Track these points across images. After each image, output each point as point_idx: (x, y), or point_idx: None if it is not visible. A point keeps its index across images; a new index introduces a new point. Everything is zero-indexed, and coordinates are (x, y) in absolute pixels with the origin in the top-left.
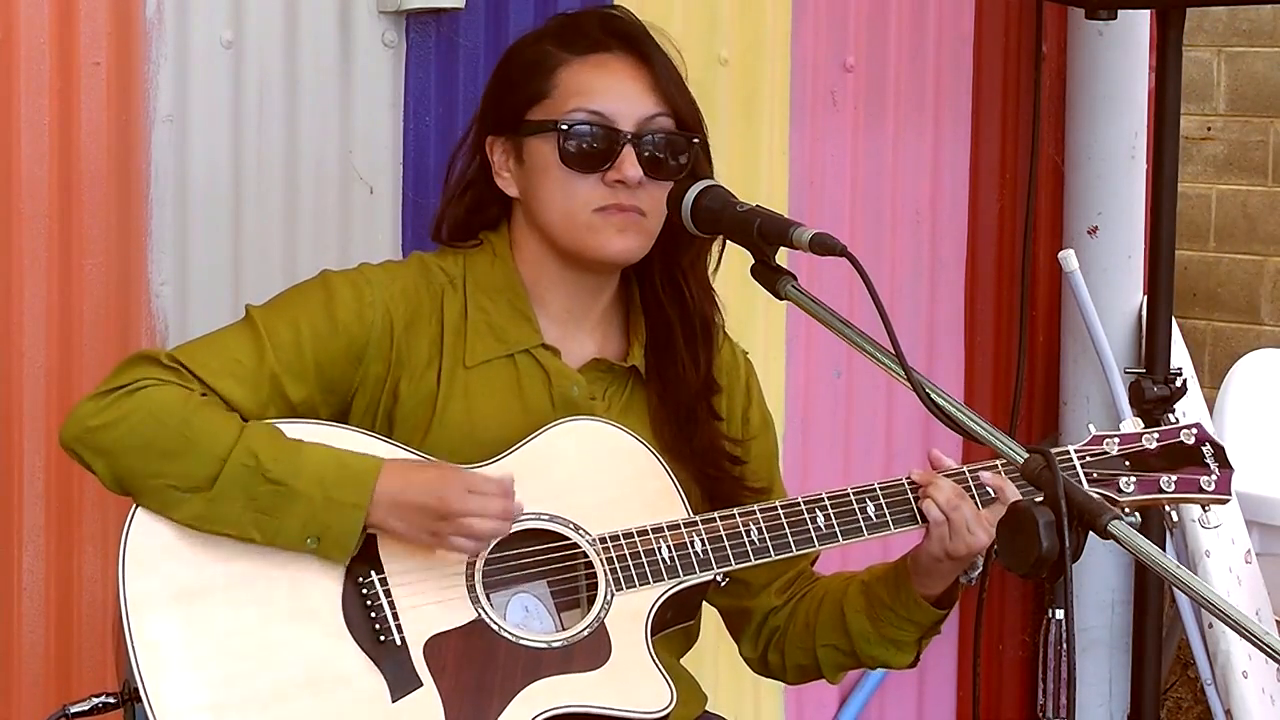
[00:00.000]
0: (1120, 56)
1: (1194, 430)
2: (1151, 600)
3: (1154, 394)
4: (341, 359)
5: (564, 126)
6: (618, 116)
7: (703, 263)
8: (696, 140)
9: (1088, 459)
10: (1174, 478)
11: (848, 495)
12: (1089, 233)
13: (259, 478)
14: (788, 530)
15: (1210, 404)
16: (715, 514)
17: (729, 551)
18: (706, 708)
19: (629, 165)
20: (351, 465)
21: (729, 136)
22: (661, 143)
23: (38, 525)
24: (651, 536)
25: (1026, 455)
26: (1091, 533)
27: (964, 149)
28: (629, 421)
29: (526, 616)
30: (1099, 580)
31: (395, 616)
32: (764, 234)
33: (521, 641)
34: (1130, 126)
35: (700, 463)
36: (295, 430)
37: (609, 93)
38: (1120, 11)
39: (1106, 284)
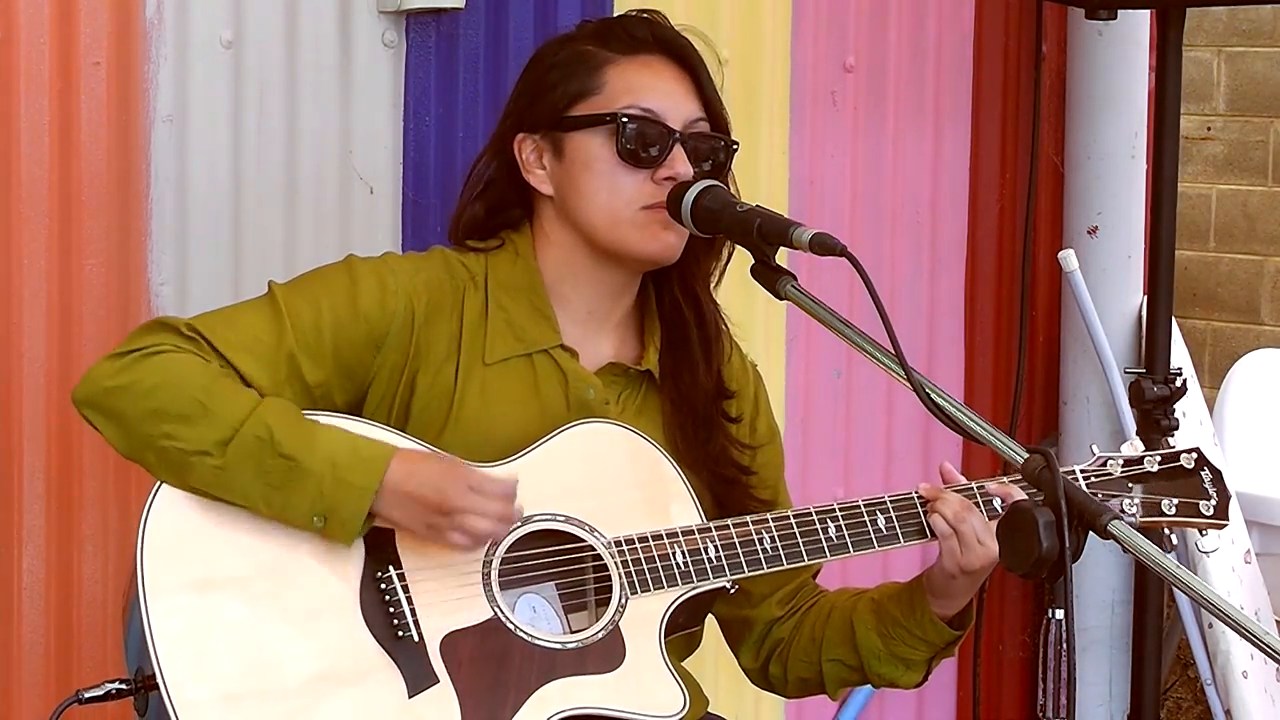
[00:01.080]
0: (1120, 56)
1: (1194, 454)
2: (1151, 600)
3: (1154, 394)
4: (360, 346)
5: (624, 119)
6: (668, 115)
7: (716, 272)
8: (736, 146)
9: (1093, 479)
10: (1175, 501)
11: (858, 506)
12: (1089, 233)
13: (271, 450)
14: (799, 539)
15: (1210, 404)
16: (729, 521)
17: (742, 558)
18: (708, 709)
19: (681, 163)
20: (364, 449)
21: None
22: (705, 145)
23: (38, 525)
24: (666, 541)
25: (1026, 456)
26: (1091, 533)
27: (964, 149)
28: (642, 425)
29: (534, 616)
30: (1099, 580)
31: (413, 612)
32: (764, 234)
33: (537, 642)
34: (1130, 126)
35: (714, 466)
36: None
37: (657, 91)
38: (1120, 11)
39: (1106, 284)
